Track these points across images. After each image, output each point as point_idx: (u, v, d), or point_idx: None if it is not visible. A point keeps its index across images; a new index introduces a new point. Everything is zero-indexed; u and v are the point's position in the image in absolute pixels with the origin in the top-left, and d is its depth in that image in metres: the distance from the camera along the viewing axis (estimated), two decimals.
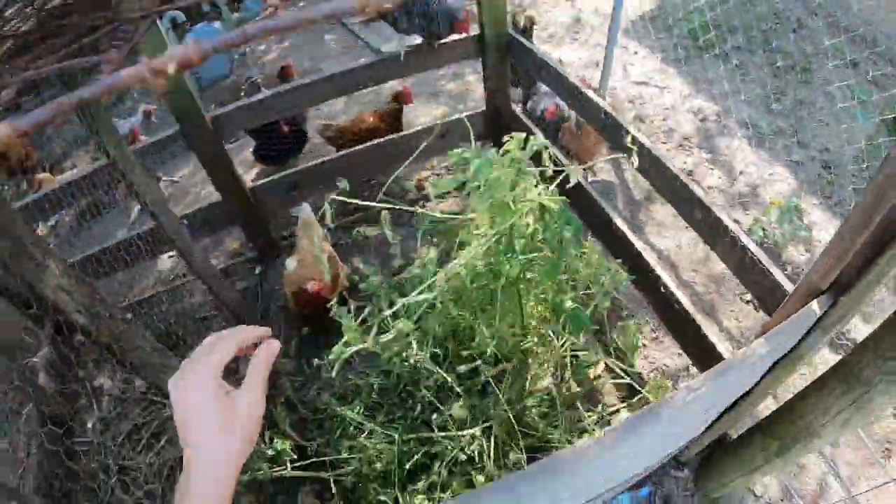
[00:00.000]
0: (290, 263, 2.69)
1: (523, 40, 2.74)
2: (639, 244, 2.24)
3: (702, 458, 2.20)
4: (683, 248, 3.13)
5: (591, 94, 2.31)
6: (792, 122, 3.77)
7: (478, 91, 4.36)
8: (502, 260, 1.57)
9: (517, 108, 3.18)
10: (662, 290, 2.09)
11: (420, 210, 1.71)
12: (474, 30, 2.84)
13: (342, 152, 3.20)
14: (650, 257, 2.19)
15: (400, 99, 3.39)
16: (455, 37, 2.76)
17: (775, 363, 1.37)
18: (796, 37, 4.39)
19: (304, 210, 2.83)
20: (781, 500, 2.20)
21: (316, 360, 1.81)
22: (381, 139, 3.16)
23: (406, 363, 1.94)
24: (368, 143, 3.14)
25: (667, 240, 3.19)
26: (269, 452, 2.01)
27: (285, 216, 3.39)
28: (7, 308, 1.63)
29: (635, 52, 4.54)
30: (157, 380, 1.66)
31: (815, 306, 1.13)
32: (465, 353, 1.93)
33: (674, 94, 4.11)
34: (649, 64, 4.39)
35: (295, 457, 2.08)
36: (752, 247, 1.64)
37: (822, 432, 1.39)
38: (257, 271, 3.34)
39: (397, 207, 1.65)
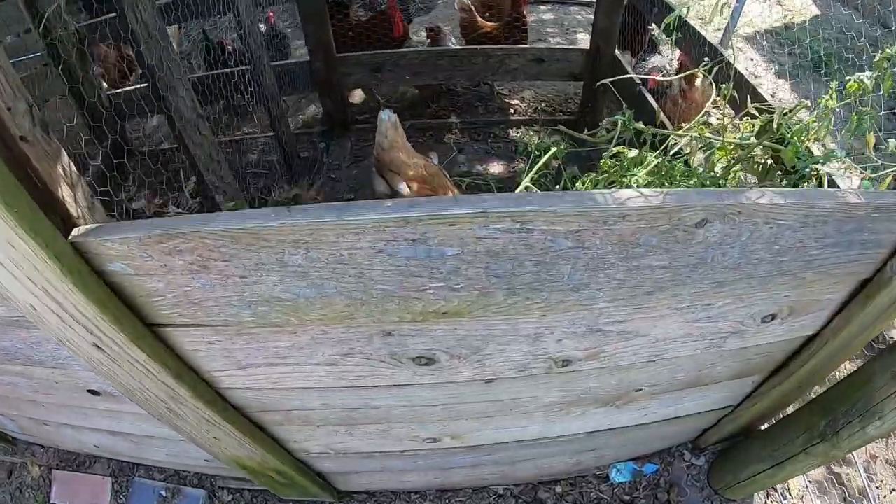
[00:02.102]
0: (404, 189, 2.44)
1: None
2: None
3: (720, 449, 1.95)
4: None
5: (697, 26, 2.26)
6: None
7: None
8: None
9: (619, 54, 3.10)
10: None
11: None
12: None
13: (431, 48, 3.19)
14: None
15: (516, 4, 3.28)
16: None
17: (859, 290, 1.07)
18: None
19: (389, 116, 2.46)
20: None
21: None
22: (478, 47, 3.14)
23: None
24: (465, 47, 3.14)
25: None
26: None
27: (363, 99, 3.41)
28: None
29: (751, 59, 4.38)
30: None
31: None
32: None
33: (778, 102, 3.95)
34: (761, 71, 4.24)
35: None
36: None
37: (886, 404, 1.18)
38: (321, 145, 3.39)
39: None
